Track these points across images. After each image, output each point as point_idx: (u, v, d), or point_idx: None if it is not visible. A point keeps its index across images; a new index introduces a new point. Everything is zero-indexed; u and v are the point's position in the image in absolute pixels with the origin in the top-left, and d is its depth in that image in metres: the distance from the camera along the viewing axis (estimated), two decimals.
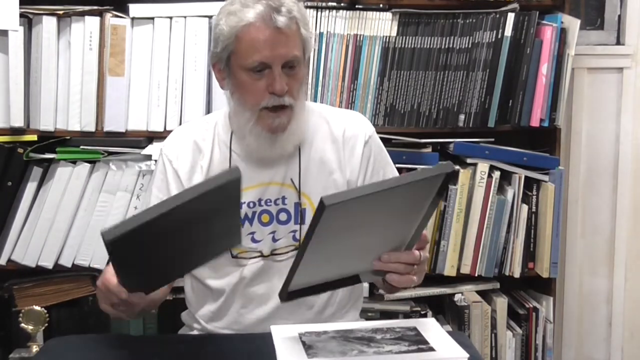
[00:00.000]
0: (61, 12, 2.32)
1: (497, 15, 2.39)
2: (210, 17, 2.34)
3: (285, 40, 1.66)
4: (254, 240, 1.78)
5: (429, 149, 2.45)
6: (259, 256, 1.78)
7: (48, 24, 2.31)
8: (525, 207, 2.46)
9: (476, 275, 2.47)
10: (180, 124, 2.34)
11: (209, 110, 2.36)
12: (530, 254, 2.49)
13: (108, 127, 2.36)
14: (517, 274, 2.48)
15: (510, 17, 2.39)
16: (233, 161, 1.78)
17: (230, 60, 1.70)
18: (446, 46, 2.41)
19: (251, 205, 1.77)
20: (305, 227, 1.77)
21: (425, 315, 2.45)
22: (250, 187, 1.77)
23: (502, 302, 2.49)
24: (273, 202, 1.78)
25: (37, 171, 2.36)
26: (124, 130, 2.37)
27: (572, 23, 2.41)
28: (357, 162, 1.80)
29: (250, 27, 1.65)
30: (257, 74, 1.67)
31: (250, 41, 1.65)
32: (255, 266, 1.78)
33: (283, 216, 1.78)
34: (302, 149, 1.78)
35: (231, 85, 1.74)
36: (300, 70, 1.71)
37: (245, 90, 1.70)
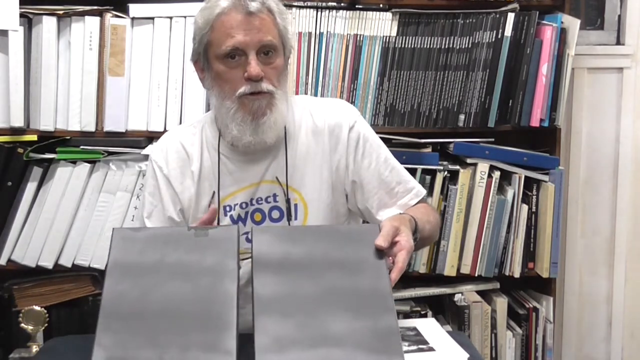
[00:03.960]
0: (61, 12, 2.31)
1: (497, 15, 2.39)
2: None
3: (259, 25, 1.67)
4: (248, 240, 1.78)
5: (429, 149, 2.44)
6: (251, 257, 1.78)
7: (48, 24, 2.31)
8: (525, 207, 2.46)
9: (476, 275, 2.47)
10: (180, 124, 2.34)
11: (209, 110, 2.36)
12: (530, 254, 2.49)
13: (108, 127, 2.36)
14: (517, 274, 2.48)
15: (510, 17, 2.39)
16: (222, 164, 1.78)
17: (208, 53, 1.71)
18: (446, 46, 2.40)
19: (243, 205, 1.77)
20: (297, 223, 1.77)
21: (425, 315, 2.45)
22: (241, 189, 1.77)
23: (502, 302, 2.49)
24: (264, 200, 1.78)
25: (37, 171, 2.36)
26: (124, 130, 2.37)
27: (572, 23, 2.41)
28: (343, 149, 1.79)
29: (224, 15, 1.67)
30: (233, 62, 1.68)
31: (224, 28, 1.67)
32: (250, 267, 1.78)
33: (275, 214, 1.78)
34: (288, 144, 1.78)
35: (210, 80, 1.74)
36: (277, 59, 1.71)
37: (223, 80, 1.70)
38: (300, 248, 1.53)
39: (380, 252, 1.51)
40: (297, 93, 2.37)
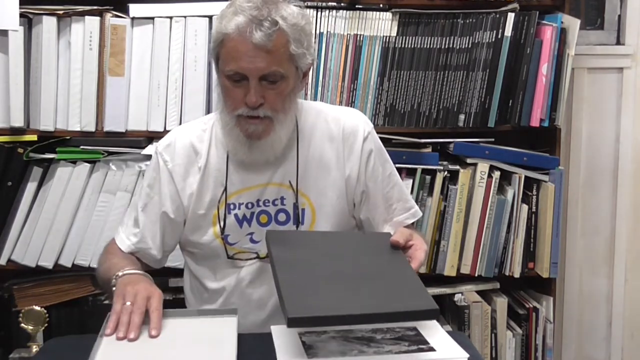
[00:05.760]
0: (61, 12, 2.32)
1: (497, 15, 2.39)
2: (210, 17, 2.34)
3: (265, 55, 1.62)
4: (252, 241, 1.78)
5: (429, 149, 2.45)
6: (255, 257, 1.78)
7: (48, 24, 2.31)
8: (525, 207, 2.46)
9: (476, 275, 2.47)
10: (180, 123, 2.34)
11: (208, 110, 2.36)
12: (530, 254, 2.49)
13: (108, 127, 2.36)
14: (517, 274, 2.48)
15: (510, 17, 2.39)
16: (230, 161, 1.78)
17: (218, 63, 1.70)
18: (446, 46, 2.40)
19: (249, 206, 1.77)
20: (304, 228, 1.77)
21: None
22: (248, 188, 1.77)
23: (502, 302, 2.49)
24: (271, 202, 1.77)
25: (37, 171, 2.36)
26: (124, 130, 2.37)
27: (572, 23, 2.41)
28: (356, 158, 1.80)
29: (230, 38, 1.63)
30: (236, 82, 1.66)
31: (230, 50, 1.64)
32: (252, 268, 1.78)
33: (282, 217, 1.78)
34: (300, 148, 1.77)
35: (219, 85, 1.74)
36: (283, 84, 1.67)
37: (226, 95, 1.70)
38: (317, 243, 1.62)
39: (397, 250, 1.59)
40: None
